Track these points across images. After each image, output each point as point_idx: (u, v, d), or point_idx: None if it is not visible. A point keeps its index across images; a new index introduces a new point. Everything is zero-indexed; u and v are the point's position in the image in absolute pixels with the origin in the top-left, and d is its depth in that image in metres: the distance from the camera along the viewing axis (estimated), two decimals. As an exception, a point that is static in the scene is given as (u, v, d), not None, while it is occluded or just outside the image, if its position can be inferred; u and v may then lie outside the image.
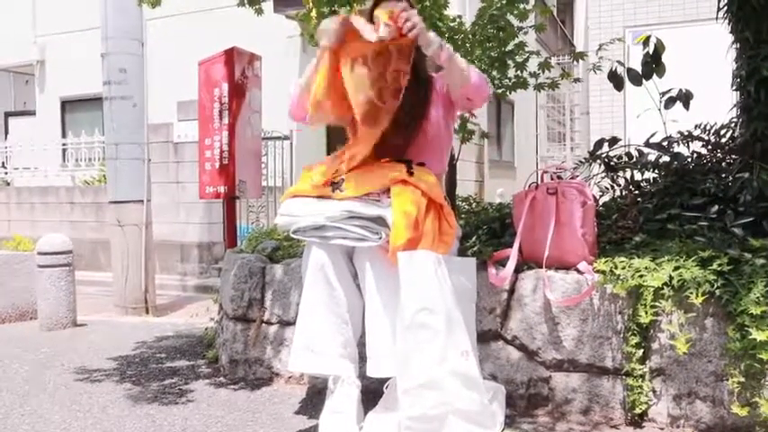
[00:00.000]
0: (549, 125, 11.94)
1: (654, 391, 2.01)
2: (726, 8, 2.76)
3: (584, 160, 2.87)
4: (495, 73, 3.65)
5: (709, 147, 2.77)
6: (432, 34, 1.93)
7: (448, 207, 2.05)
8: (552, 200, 2.14)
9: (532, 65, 3.78)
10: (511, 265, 2.11)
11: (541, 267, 2.12)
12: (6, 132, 12.54)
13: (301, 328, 2.02)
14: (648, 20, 8.15)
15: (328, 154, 1.98)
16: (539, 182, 2.25)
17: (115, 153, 5.36)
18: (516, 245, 2.16)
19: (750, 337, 1.79)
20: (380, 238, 1.88)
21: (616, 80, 2.97)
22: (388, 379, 1.98)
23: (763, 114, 2.56)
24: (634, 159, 2.73)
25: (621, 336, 2.04)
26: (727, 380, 1.89)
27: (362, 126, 1.98)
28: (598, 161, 2.79)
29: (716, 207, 2.27)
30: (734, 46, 2.74)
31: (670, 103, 2.82)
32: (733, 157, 2.65)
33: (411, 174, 1.96)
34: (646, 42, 2.84)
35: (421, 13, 3.31)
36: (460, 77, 2.03)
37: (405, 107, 2.05)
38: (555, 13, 12.71)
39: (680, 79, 2.88)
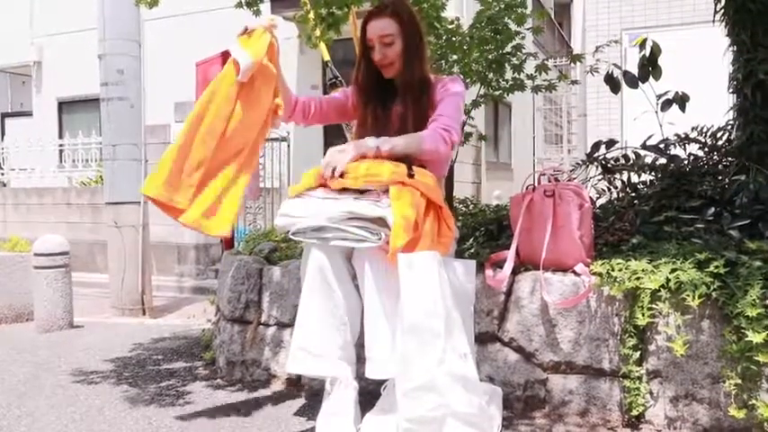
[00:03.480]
0: (546, 127, 11.95)
1: (651, 393, 2.01)
2: (722, 11, 2.77)
3: (581, 162, 2.87)
4: (492, 75, 3.66)
5: (706, 149, 2.78)
6: (363, 147, 2.00)
7: (447, 209, 2.06)
8: (549, 202, 2.14)
9: (529, 67, 3.79)
10: (508, 267, 2.12)
11: (538, 269, 2.12)
12: (3, 133, 12.52)
13: (299, 329, 2.02)
14: (646, 22, 8.18)
15: (325, 155, 2.01)
16: (536, 184, 2.25)
17: (112, 154, 5.36)
18: (513, 247, 2.16)
19: (747, 339, 1.80)
20: (380, 238, 1.88)
21: (612, 83, 2.98)
22: (385, 381, 1.98)
23: (759, 117, 2.57)
24: (631, 162, 2.73)
25: (618, 338, 2.04)
26: (724, 382, 1.89)
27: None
28: (595, 163, 2.80)
29: (712, 209, 2.28)
30: (730, 49, 2.76)
31: (666, 105, 2.83)
32: (729, 159, 2.66)
33: (411, 176, 1.97)
34: (642, 45, 2.85)
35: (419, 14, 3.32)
36: (413, 152, 2.05)
37: (402, 113, 2.16)
38: (552, 16, 12.73)
39: (677, 82, 2.89)
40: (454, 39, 3.61)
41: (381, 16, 2.17)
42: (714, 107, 3.31)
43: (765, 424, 1.82)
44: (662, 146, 2.72)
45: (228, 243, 4.81)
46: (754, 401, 1.85)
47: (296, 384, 2.55)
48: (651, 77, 2.86)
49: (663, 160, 2.65)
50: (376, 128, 2.18)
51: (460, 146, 3.94)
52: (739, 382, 1.86)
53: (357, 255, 1.97)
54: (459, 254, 2.28)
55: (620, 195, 2.70)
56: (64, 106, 11.29)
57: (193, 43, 8.06)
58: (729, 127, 2.81)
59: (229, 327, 2.74)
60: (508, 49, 3.61)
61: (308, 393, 2.47)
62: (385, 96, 2.24)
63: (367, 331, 1.96)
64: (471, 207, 3.82)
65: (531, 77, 3.79)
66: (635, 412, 2.01)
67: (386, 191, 1.94)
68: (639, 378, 2.01)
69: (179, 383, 2.69)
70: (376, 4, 2.29)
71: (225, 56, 5.00)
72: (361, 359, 2.01)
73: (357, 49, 2.22)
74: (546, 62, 3.86)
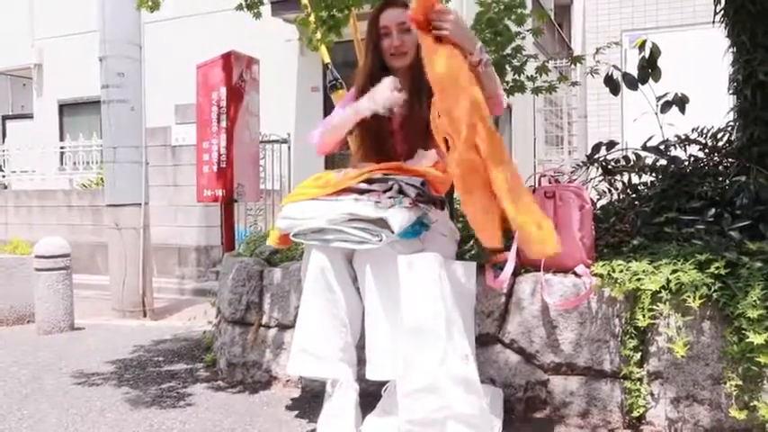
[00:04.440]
0: (546, 129, 11.93)
1: (652, 395, 2.01)
2: (722, 12, 2.77)
3: (581, 164, 2.87)
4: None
5: (706, 150, 2.78)
6: (472, 39, 1.93)
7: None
8: (550, 203, 2.14)
9: (530, 69, 3.79)
10: (509, 268, 2.11)
11: (539, 271, 2.12)
12: (4, 135, 12.54)
13: (300, 331, 2.02)
14: (646, 23, 8.18)
15: (326, 155, 2.00)
16: (536, 185, 2.25)
17: (113, 156, 5.37)
18: (514, 248, 2.15)
19: (747, 340, 1.80)
20: (381, 240, 1.88)
21: (612, 85, 2.98)
22: (386, 382, 1.98)
23: (759, 118, 2.57)
24: (631, 163, 2.74)
25: (619, 339, 2.04)
26: (725, 383, 1.89)
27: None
28: (596, 165, 2.80)
29: (713, 210, 2.28)
30: (730, 50, 2.76)
31: (666, 106, 2.83)
32: (730, 160, 2.66)
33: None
34: (642, 47, 2.86)
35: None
36: (493, 86, 2.02)
37: (406, 115, 2.13)
38: (552, 17, 12.73)
39: (678, 83, 2.89)
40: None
41: (397, 6, 2.17)
42: (714, 108, 3.31)
43: (766, 425, 1.81)
44: (662, 147, 2.72)
45: (229, 245, 4.82)
46: (755, 403, 1.84)
47: (296, 386, 2.55)
48: (651, 79, 2.86)
49: (663, 161, 2.65)
50: (379, 123, 2.16)
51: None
52: (740, 383, 1.86)
53: (358, 256, 1.97)
54: (460, 255, 2.28)
55: (621, 197, 2.69)
56: (65, 108, 11.30)
57: (194, 46, 8.09)
58: (730, 128, 2.81)
59: (230, 328, 2.74)
60: (508, 50, 3.61)
61: (309, 395, 2.47)
62: None
63: (368, 333, 1.96)
64: (472, 208, 3.81)
65: (531, 79, 3.79)
66: (636, 413, 2.01)
67: (386, 191, 1.94)
68: (640, 379, 2.01)
69: (180, 385, 2.69)
70: (376, 5, 2.28)
71: (226, 58, 5.04)
72: (361, 361, 2.01)
73: (359, 51, 2.21)
74: (546, 64, 3.86)
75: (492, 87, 2.02)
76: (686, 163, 2.67)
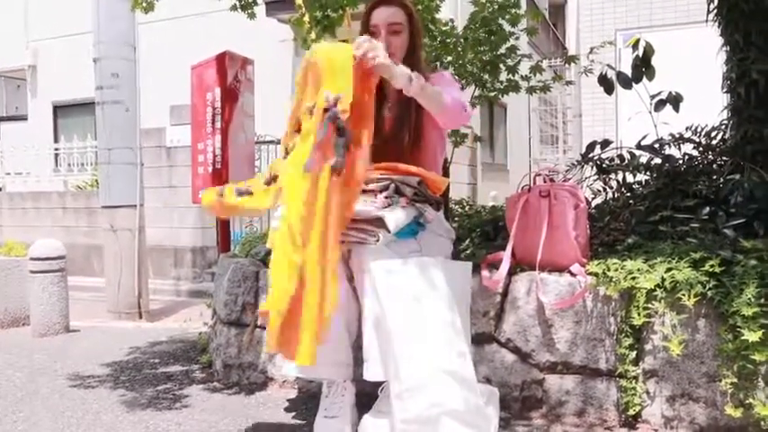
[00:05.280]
0: (541, 128, 11.97)
1: (647, 393, 2.02)
2: (715, 11, 2.78)
3: (576, 163, 2.88)
4: (487, 76, 3.66)
5: (701, 149, 2.79)
6: (400, 69, 1.85)
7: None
8: (545, 202, 2.14)
9: (524, 68, 3.80)
10: (504, 267, 2.12)
11: (534, 270, 2.12)
12: (-2, 137, 12.48)
13: (295, 332, 2.01)
14: (640, 23, 8.20)
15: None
16: (531, 184, 2.26)
17: (108, 158, 5.35)
18: (509, 247, 2.16)
19: (742, 337, 1.80)
20: (377, 240, 1.88)
21: (606, 84, 2.98)
22: (383, 382, 1.98)
23: (753, 116, 2.59)
24: (626, 162, 2.74)
25: (614, 337, 2.05)
26: (721, 381, 1.90)
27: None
28: (590, 163, 2.80)
29: (707, 209, 2.28)
30: (724, 48, 2.77)
31: (660, 105, 2.84)
32: (724, 158, 2.67)
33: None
34: (635, 46, 2.86)
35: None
36: (434, 107, 1.93)
37: (397, 116, 2.10)
38: (547, 17, 12.76)
39: (672, 81, 2.89)
40: (448, 40, 3.62)
41: (390, 4, 2.11)
42: (708, 107, 3.33)
43: (762, 422, 1.82)
44: (656, 146, 2.73)
45: (224, 246, 4.81)
46: (750, 400, 1.85)
47: (292, 387, 2.55)
48: (645, 78, 2.87)
49: (658, 160, 2.66)
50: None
51: (456, 147, 3.96)
52: (735, 380, 1.87)
53: (354, 256, 1.97)
54: (456, 255, 2.28)
55: (616, 195, 2.70)
56: (59, 110, 11.26)
57: (189, 46, 8.06)
58: (723, 126, 2.82)
59: (226, 330, 2.74)
60: (502, 50, 3.61)
61: (305, 396, 2.47)
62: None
63: (365, 333, 1.96)
64: (467, 208, 3.83)
65: (525, 78, 3.79)
66: (632, 412, 2.02)
67: (382, 190, 1.94)
68: (636, 378, 2.02)
69: (176, 387, 2.68)
70: (369, 2, 2.25)
71: (220, 59, 5.02)
72: (358, 361, 2.01)
73: None
74: (540, 63, 3.87)
75: (435, 105, 1.92)
76: (680, 161, 2.67)
